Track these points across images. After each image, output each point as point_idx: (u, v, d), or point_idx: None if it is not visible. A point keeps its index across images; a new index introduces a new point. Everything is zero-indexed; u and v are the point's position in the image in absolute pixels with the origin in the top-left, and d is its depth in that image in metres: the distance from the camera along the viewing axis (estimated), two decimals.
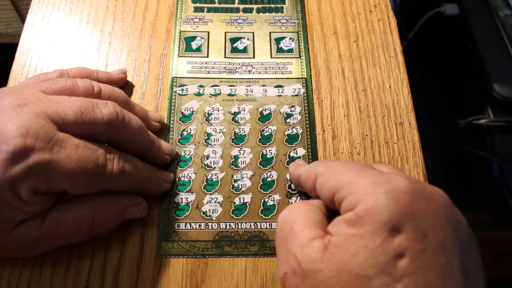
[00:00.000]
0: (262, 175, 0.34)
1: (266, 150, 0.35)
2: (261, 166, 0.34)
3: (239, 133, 0.36)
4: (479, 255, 0.24)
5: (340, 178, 0.25)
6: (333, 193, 0.25)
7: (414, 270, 0.21)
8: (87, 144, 0.27)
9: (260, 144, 0.35)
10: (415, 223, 0.22)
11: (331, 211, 0.27)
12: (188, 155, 0.35)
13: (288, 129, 0.36)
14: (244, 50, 0.40)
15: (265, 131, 0.36)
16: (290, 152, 0.35)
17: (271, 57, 0.39)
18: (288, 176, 0.34)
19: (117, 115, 0.28)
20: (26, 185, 0.24)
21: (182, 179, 0.34)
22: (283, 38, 0.41)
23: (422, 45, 0.75)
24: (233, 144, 0.35)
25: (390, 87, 0.38)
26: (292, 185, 0.34)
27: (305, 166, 0.31)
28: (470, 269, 0.23)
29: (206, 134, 0.36)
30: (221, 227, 0.32)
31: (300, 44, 0.40)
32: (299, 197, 0.33)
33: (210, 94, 0.37)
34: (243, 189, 0.34)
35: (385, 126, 0.36)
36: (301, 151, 0.35)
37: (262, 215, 0.33)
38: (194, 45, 0.40)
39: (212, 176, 0.34)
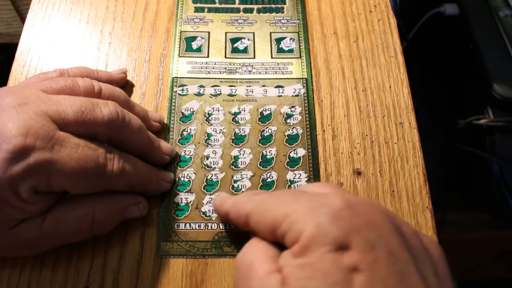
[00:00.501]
0: (262, 176, 0.34)
1: (266, 151, 0.35)
2: (261, 167, 0.34)
3: (239, 134, 0.36)
4: (441, 262, 0.24)
5: (276, 213, 0.24)
6: (273, 231, 0.25)
7: (372, 281, 0.21)
8: (88, 144, 0.27)
9: (260, 144, 0.35)
10: (361, 236, 0.22)
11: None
12: (188, 155, 0.35)
13: (288, 130, 0.36)
14: (245, 50, 0.40)
15: (265, 132, 0.36)
16: (290, 152, 0.35)
17: (272, 57, 0.39)
18: (288, 177, 0.34)
19: (117, 115, 0.28)
20: (26, 184, 0.24)
21: (182, 179, 0.34)
22: (283, 38, 0.41)
23: (422, 45, 0.75)
24: (233, 144, 0.35)
25: (390, 87, 0.38)
26: (292, 185, 0.34)
27: (231, 200, 0.29)
28: (428, 276, 0.22)
29: (206, 134, 0.36)
30: (221, 228, 0.32)
31: (301, 44, 0.40)
32: None
33: (211, 94, 0.37)
34: (243, 190, 0.34)
35: (385, 126, 0.36)
36: (301, 152, 0.35)
37: None
38: (194, 45, 0.40)
39: (212, 176, 0.34)
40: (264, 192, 0.29)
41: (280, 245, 0.25)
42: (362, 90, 0.38)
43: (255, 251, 0.25)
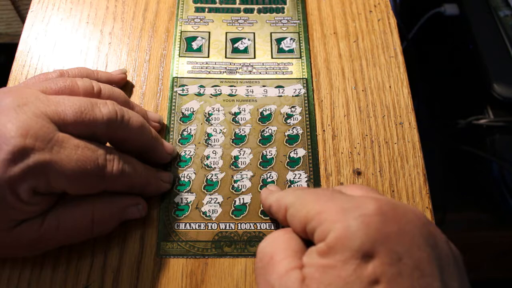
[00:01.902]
0: (262, 176, 0.34)
1: (266, 151, 0.35)
2: (261, 167, 0.34)
3: (239, 134, 0.36)
4: (465, 273, 0.23)
5: (310, 208, 0.24)
6: (304, 225, 0.25)
7: None
8: (87, 145, 0.27)
9: (260, 144, 0.35)
10: (388, 247, 0.21)
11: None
12: (188, 155, 0.35)
13: (289, 130, 0.36)
14: (245, 50, 0.40)
15: (265, 132, 0.36)
16: (290, 152, 0.35)
17: (272, 58, 0.39)
18: (288, 177, 0.34)
19: (116, 114, 0.28)
20: (26, 185, 0.24)
21: (182, 179, 0.34)
22: (284, 38, 0.41)
23: (422, 45, 0.75)
24: (233, 144, 0.35)
25: (390, 87, 0.38)
26: (292, 186, 0.34)
27: (276, 195, 0.30)
28: None
29: (206, 135, 0.36)
30: (221, 228, 0.32)
31: (301, 44, 0.40)
32: None
33: (211, 94, 0.37)
34: (243, 190, 0.34)
35: (385, 126, 0.36)
36: (301, 152, 0.35)
37: (262, 216, 0.33)
38: (195, 45, 0.40)
39: (212, 176, 0.34)
40: (305, 188, 0.29)
41: (308, 241, 0.25)
42: (362, 90, 0.38)
43: (278, 243, 0.25)
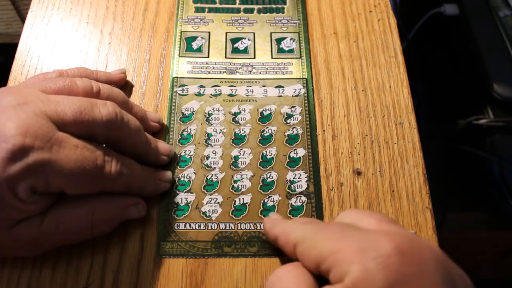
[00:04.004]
0: (262, 176, 0.34)
1: (266, 151, 0.35)
2: (261, 167, 0.34)
3: (239, 134, 0.36)
4: None
5: (322, 247, 0.24)
6: (318, 264, 0.24)
7: None
8: (86, 145, 0.27)
9: (260, 144, 0.35)
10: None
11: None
12: (188, 155, 0.35)
13: (289, 130, 0.36)
14: (245, 50, 0.40)
15: (265, 132, 0.36)
16: (290, 152, 0.35)
17: (272, 58, 0.39)
18: (288, 177, 0.34)
19: (116, 115, 0.28)
20: (24, 184, 0.24)
21: (182, 179, 0.34)
22: (284, 38, 0.41)
23: (422, 45, 0.75)
24: (233, 144, 0.35)
25: (390, 87, 0.38)
26: (292, 185, 0.34)
27: (281, 226, 0.29)
28: None
29: (206, 135, 0.36)
30: (221, 228, 0.32)
31: (301, 44, 0.40)
32: (298, 198, 0.33)
33: (211, 94, 0.37)
34: (243, 190, 0.34)
35: (385, 126, 0.36)
36: (301, 152, 0.35)
37: (262, 216, 0.33)
38: (195, 45, 0.40)
39: (212, 176, 0.34)
40: (314, 221, 0.28)
41: (319, 276, 0.24)
42: (362, 90, 0.38)
43: (289, 279, 0.25)
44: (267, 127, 0.36)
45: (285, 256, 0.31)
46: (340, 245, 0.23)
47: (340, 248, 0.23)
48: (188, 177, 0.34)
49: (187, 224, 0.32)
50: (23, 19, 0.74)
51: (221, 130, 0.36)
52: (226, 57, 0.39)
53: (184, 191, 0.33)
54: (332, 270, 0.23)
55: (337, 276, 0.22)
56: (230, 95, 0.37)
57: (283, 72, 0.39)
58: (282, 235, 0.28)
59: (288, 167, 0.34)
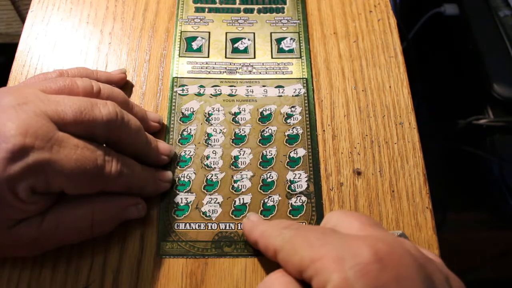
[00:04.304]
0: (262, 176, 0.34)
1: (266, 151, 0.35)
2: (261, 167, 0.34)
3: (239, 134, 0.36)
4: None
5: (302, 254, 0.24)
6: (299, 272, 0.24)
7: None
8: (86, 145, 0.27)
9: (260, 144, 0.35)
10: None
11: None
12: (188, 155, 0.35)
13: (289, 130, 0.36)
14: (245, 50, 0.40)
15: (265, 132, 0.36)
16: (290, 152, 0.35)
17: (272, 58, 0.39)
18: (288, 177, 0.34)
19: (116, 115, 0.28)
20: (25, 184, 0.24)
21: (182, 179, 0.34)
22: (284, 38, 0.41)
23: (422, 45, 0.75)
24: (233, 144, 0.35)
25: (390, 87, 0.38)
26: (292, 185, 0.34)
27: (260, 229, 0.29)
28: None
29: (206, 135, 0.36)
30: (221, 228, 0.32)
31: (301, 44, 0.40)
32: (298, 198, 0.33)
33: (211, 94, 0.37)
34: (243, 190, 0.34)
35: (385, 126, 0.36)
36: (301, 152, 0.35)
37: (262, 216, 0.33)
38: (194, 45, 0.40)
39: (212, 176, 0.34)
40: (293, 224, 0.28)
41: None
42: (362, 90, 0.38)
43: (277, 287, 0.25)
44: (267, 127, 0.36)
45: None
46: (320, 253, 0.23)
47: (320, 256, 0.23)
48: (188, 177, 0.34)
49: (187, 224, 0.32)
50: (23, 19, 0.74)
51: (221, 130, 0.36)
52: (226, 57, 0.39)
53: (184, 191, 0.33)
54: (314, 278, 0.23)
55: (319, 284, 0.22)
56: (230, 95, 0.37)
57: (283, 72, 0.39)
58: (262, 240, 0.28)
59: (288, 167, 0.34)
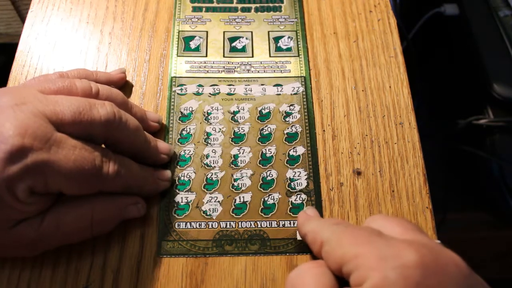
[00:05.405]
0: (262, 174, 0.34)
1: (265, 149, 0.35)
2: (260, 165, 0.34)
3: (238, 132, 0.36)
4: None
5: (346, 249, 0.24)
6: (340, 265, 0.24)
7: None
8: (84, 146, 0.27)
9: (260, 143, 0.35)
10: None
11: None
12: (187, 154, 0.35)
13: (288, 128, 0.36)
14: (243, 49, 0.40)
15: (264, 130, 0.36)
16: (289, 150, 0.35)
17: (270, 56, 0.39)
18: (288, 175, 0.34)
19: (114, 115, 0.28)
20: (23, 184, 0.24)
21: (182, 178, 0.34)
22: (281, 37, 0.41)
23: (422, 45, 0.75)
24: (233, 143, 0.35)
25: (390, 87, 0.38)
26: (292, 183, 0.34)
27: (313, 224, 0.29)
28: None
29: (205, 134, 0.36)
30: (221, 226, 0.32)
31: (299, 42, 0.40)
32: (298, 196, 0.33)
33: (209, 93, 0.37)
34: (243, 188, 0.34)
35: (385, 126, 0.36)
36: (300, 150, 0.35)
37: (262, 214, 0.33)
38: (192, 44, 0.40)
39: (212, 175, 0.34)
40: (344, 223, 0.28)
41: (341, 278, 0.24)
42: (362, 90, 0.38)
43: (309, 277, 0.25)
44: (266, 126, 0.36)
45: (285, 255, 0.31)
46: (364, 250, 0.23)
47: (363, 253, 0.23)
48: (188, 176, 0.34)
49: (188, 223, 0.32)
50: (23, 19, 0.74)
51: (220, 129, 0.36)
52: (224, 56, 0.39)
53: (184, 190, 0.33)
54: (353, 273, 0.23)
55: (357, 280, 0.22)
56: (228, 94, 0.37)
57: (281, 71, 0.39)
58: (311, 233, 0.28)
59: (288, 165, 0.34)
